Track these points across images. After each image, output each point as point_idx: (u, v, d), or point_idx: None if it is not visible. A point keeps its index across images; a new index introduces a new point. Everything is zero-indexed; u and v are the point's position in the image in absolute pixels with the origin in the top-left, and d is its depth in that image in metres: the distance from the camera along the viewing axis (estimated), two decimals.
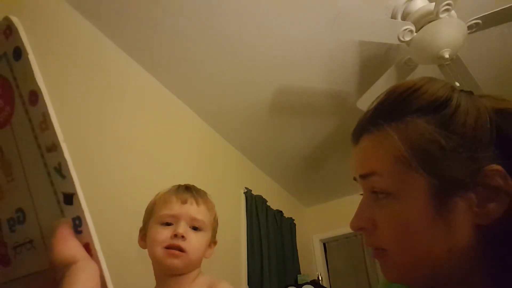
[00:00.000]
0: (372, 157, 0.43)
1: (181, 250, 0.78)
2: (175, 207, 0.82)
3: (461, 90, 0.42)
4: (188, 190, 0.86)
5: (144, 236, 0.86)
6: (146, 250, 0.85)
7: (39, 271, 0.42)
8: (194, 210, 0.83)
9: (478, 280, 0.37)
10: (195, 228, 0.82)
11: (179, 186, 0.88)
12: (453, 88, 0.42)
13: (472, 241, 0.36)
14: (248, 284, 2.22)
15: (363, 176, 0.43)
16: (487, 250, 0.36)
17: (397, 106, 0.42)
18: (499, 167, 0.36)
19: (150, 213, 0.87)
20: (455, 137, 0.38)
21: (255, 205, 2.54)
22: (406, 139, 0.40)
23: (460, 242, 0.37)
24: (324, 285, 2.80)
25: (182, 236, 0.78)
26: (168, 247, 0.78)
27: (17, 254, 0.43)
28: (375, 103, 0.45)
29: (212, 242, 0.89)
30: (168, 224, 0.81)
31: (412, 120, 0.40)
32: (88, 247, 0.38)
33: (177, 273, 0.80)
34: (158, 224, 0.82)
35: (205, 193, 0.90)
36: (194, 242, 0.80)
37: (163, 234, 0.79)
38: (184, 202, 0.83)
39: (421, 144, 0.39)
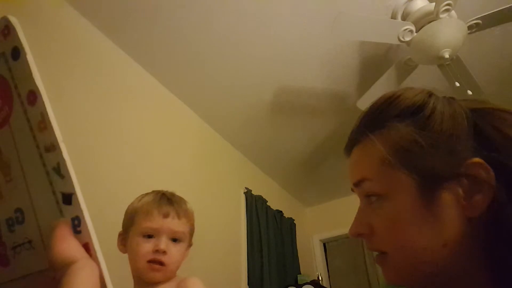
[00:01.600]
0: (361, 164, 0.46)
1: (162, 264, 0.80)
2: (156, 220, 0.83)
3: (442, 96, 0.45)
4: (169, 203, 0.86)
5: (123, 240, 0.88)
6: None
7: (38, 271, 0.42)
8: (175, 224, 0.84)
9: (477, 278, 0.37)
10: (175, 240, 0.84)
11: (161, 196, 0.88)
12: (430, 94, 0.45)
13: (465, 235, 0.37)
14: (248, 284, 2.22)
15: (356, 184, 0.46)
16: (481, 244, 0.37)
17: (379, 115, 0.45)
18: (480, 160, 0.37)
19: (131, 220, 0.87)
20: (433, 135, 0.40)
21: (255, 205, 2.53)
22: (388, 142, 0.43)
23: (453, 237, 0.38)
24: (324, 285, 2.80)
25: (164, 252, 0.80)
26: (150, 261, 0.80)
27: (16, 254, 0.43)
28: (360, 117, 0.49)
29: (188, 245, 0.90)
30: (149, 236, 0.82)
31: (392, 125, 0.43)
32: (87, 247, 0.38)
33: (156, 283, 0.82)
34: (140, 236, 0.83)
35: (185, 202, 0.91)
36: (174, 254, 0.82)
37: (145, 248, 0.81)
38: (166, 216, 0.84)
39: (402, 145, 0.42)
